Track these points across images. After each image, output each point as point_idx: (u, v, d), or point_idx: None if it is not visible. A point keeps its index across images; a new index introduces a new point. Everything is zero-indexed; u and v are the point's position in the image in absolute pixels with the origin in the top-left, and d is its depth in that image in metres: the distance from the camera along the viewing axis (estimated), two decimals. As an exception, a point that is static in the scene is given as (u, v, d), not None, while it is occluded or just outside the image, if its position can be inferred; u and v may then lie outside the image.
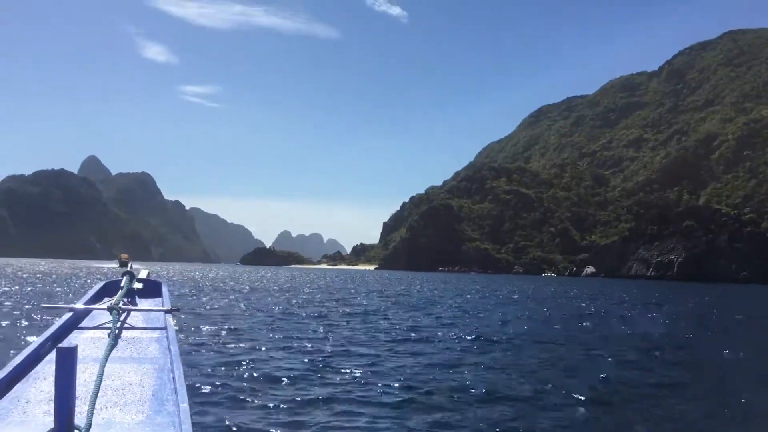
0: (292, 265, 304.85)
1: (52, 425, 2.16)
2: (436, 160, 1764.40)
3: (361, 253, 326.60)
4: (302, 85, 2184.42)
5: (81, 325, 3.70)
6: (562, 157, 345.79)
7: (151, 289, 4.71)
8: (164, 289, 4.69)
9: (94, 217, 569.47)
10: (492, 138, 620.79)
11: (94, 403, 2.39)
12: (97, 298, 4.31)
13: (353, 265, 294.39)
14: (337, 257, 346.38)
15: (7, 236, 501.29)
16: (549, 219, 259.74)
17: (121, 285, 4.28)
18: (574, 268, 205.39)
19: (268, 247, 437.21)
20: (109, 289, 4.44)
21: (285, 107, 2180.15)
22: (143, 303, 4.42)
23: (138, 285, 4.61)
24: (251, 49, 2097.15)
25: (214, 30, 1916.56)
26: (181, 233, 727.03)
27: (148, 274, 4.96)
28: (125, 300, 4.08)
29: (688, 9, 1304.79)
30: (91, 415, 2.30)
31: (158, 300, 4.54)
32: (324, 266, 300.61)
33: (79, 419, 2.22)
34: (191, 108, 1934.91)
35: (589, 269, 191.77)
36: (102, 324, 3.70)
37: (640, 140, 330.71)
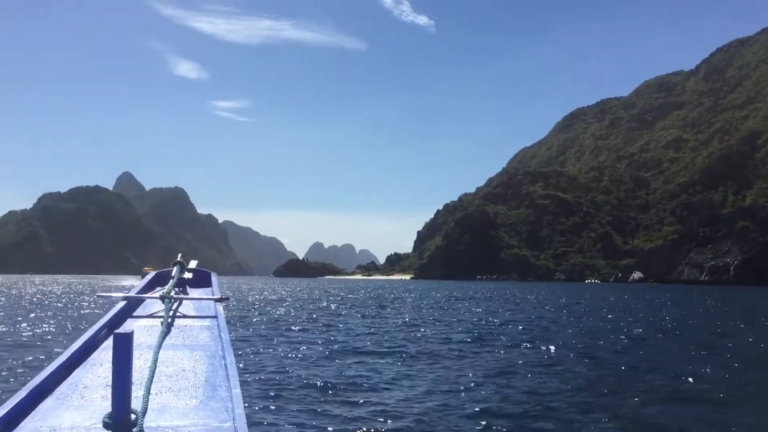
0: (326, 277, 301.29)
1: (109, 410, 2.24)
2: (468, 168, 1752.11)
3: (395, 262, 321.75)
4: (331, 96, 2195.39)
5: (135, 313, 3.83)
6: (599, 161, 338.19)
7: (201, 278, 4.82)
8: (214, 279, 4.81)
9: (129, 233, 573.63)
10: (524, 143, 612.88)
11: (150, 389, 2.46)
12: (150, 287, 4.41)
13: (388, 275, 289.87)
14: (371, 267, 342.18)
15: (44, 254, 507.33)
16: (589, 224, 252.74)
17: (172, 275, 4.39)
18: (620, 274, 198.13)
19: (300, 258, 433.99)
20: (160, 279, 4.57)
21: (314, 119, 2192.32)
22: (194, 292, 4.51)
23: (188, 275, 4.71)
24: (280, 63, 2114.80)
25: (243, 45, 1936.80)
26: (214, 246, 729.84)
27: (197, 264, 5.02)
28: (177, 289, 4.19)
29: (723, 7, 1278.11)
30: (147, 400, 2.36)
31: (208, 289, 4.63)
32: (358, 277, 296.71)
33: (135, 404, 2.29)
34: (223, 123, 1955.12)
35: (636, 275, 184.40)
36: (155, 312, 3.83)
37: (680, 141, 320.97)
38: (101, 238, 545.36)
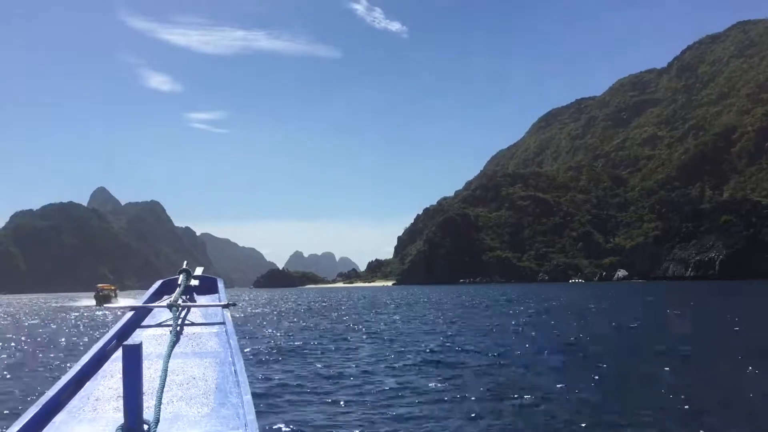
0: (307, 286, 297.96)
1: (122, 421, 2.24)
2: (445, 172, 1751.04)
3: (376, 269, 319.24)
4: (306, 105, 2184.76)
5: (143, 323, 3.82)
6: (576, 160, 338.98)
7: (208, 285, 4.75)
8: (220, 285, 4.75)
9: (105, 248, 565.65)
10: (500, 146, 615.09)
11: (161, 398, 2.47)
12: (157, 296, 4.37)
13: (370, 282, 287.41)
14: (352, 275, 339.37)
15: (18, 272, 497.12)
16: (569, 223, 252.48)
17: (178, 283, 4.34)
18: (603, 273, 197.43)
19: (281, 268, 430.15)
20: (167, 288, 4.50)
21: (290, 129, 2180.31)
22: (200, 299, 4.48)
23: (194, 282, 4.62)
24: (255, 74, 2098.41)
25: (217, 57, 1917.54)
26: (193, 259, 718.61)
27: (203, 271, 4.95)
28: (183, 297, 4.17)
29: (693, 4, 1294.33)
30: (159, 410, 2.38)
31: (215, 296, 4.59)
32: (340, 285, 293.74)
33: (147, 414, 2.30)
34: (198, 135, 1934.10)
35: (621, 273, 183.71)
36: (163, 321, 3.81)
37: (655, 138, 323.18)
38: (77, 255, 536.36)
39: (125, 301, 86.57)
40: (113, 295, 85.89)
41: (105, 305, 79.14)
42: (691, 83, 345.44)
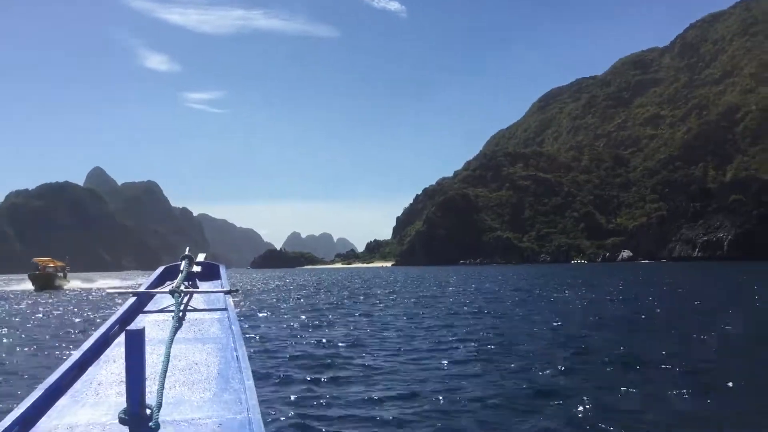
0: (305, 266, 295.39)
1: (124, 405, 2.25)
2: (445, 152, 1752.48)
3: (375, 250, 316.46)
4: (305, 85, 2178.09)
5: (145, 308, 3.81)
6: (577, 140, 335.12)
7: (210, 271, 4.76)
8: (222, 272, 4.73)
9: (101, 229, 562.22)
10: (500, 126, 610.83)
11: (163, 383, 2.47)
12: (159, 282, 4.38)
13: (368, 263, 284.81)
14: (350, 255, 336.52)
15: (13, 253, 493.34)
16: (571, 203, 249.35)
17: (181, 269, 4.33)
18: (607, 254, 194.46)
19: (278, 249, 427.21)
20: (169, 274, 4.55)
21: (288, 108, 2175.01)
22: (203, 285, 4.46)
23: (197, 268, 4.66)
24: (253, 53, 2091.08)
25: (215, 36, 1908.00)
26: (190, 240, 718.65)
27: (206, 257, 4.99)
28: (186, 283, 4.14)
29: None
30: (161, 395, 2.38)
31: (217, 282, 4.57)
32: (338, 265, 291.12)
33: (150, 399, 2.30)
34: (195, 114, 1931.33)
35: (626, 253, 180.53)
36: (165, 307, 3.80)
37: (657, 117, 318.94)
38: (72, 235, 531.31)
39: (90, 283, 71.31)
40: (61, 274, 67.99)
41: (50, 289, 59.33)
42: (693, 62, 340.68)
